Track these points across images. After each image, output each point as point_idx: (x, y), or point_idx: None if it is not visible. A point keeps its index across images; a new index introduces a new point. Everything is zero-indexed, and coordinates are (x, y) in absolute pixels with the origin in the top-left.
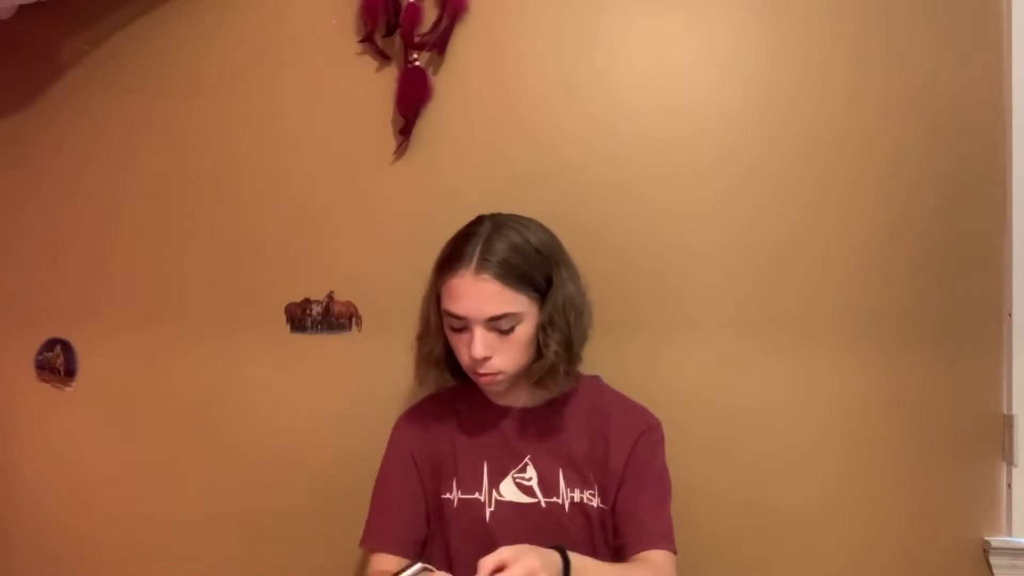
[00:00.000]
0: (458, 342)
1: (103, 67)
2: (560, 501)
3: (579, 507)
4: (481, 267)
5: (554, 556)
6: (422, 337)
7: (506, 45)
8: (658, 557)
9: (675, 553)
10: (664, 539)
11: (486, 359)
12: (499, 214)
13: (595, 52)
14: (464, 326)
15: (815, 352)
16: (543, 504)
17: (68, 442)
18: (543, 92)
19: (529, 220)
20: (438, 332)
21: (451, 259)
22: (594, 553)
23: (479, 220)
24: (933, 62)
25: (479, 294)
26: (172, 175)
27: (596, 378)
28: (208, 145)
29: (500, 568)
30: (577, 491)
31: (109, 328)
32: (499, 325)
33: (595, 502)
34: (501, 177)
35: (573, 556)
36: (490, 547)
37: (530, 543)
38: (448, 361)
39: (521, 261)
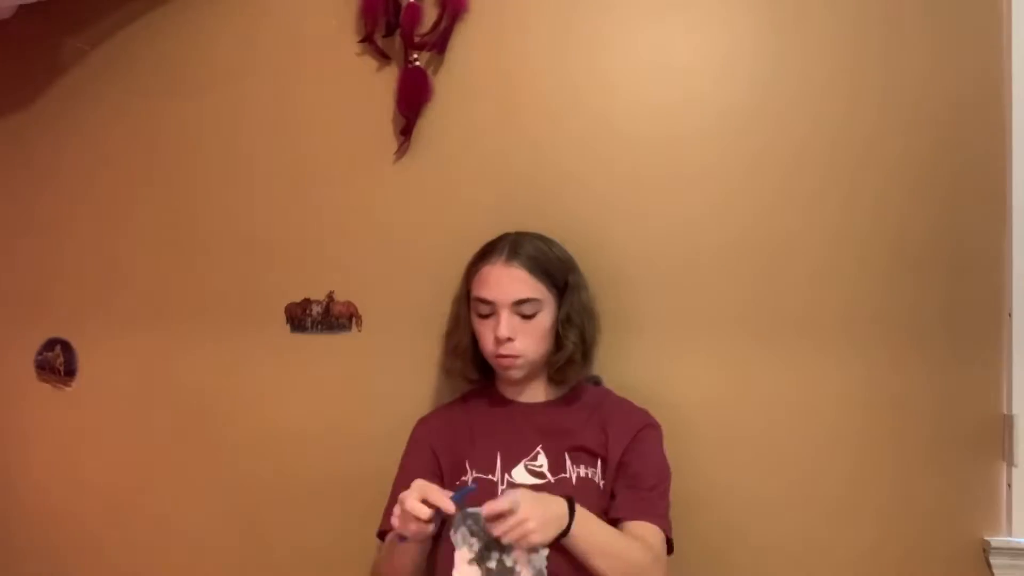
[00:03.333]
0: (484, 328)
1: (103, 67)
2: (568, 476)
3: (585, 480)
4: (511, 257)
5: (560, 507)
6: (451, 332)
7: (506, 45)
8: (648, 531)
9: (667, 535)
10: (657, 516)
11: (509, 340)
12: (522, 231)
13: (595, 51)
14: (491, 312)
15: (814, 352)
16: (552, 481)
17: (68, 442)
18: (543, 91)
19: (550, 237)
20: (466, 327)
21: (484, 254)
22: (602, 519)
23: (506, 233)
24: (933, 62)
25: (508, 278)
26: (172, 176)
27: (598, 381)
28: (208, 146)
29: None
30: (583, 467)
31: (109, 328)
32: (523, 310)
33: (598, 479)
34: (502, 176)
35: (579, 511)
36: None
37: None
38: (473, 356)
39: (544, 260)
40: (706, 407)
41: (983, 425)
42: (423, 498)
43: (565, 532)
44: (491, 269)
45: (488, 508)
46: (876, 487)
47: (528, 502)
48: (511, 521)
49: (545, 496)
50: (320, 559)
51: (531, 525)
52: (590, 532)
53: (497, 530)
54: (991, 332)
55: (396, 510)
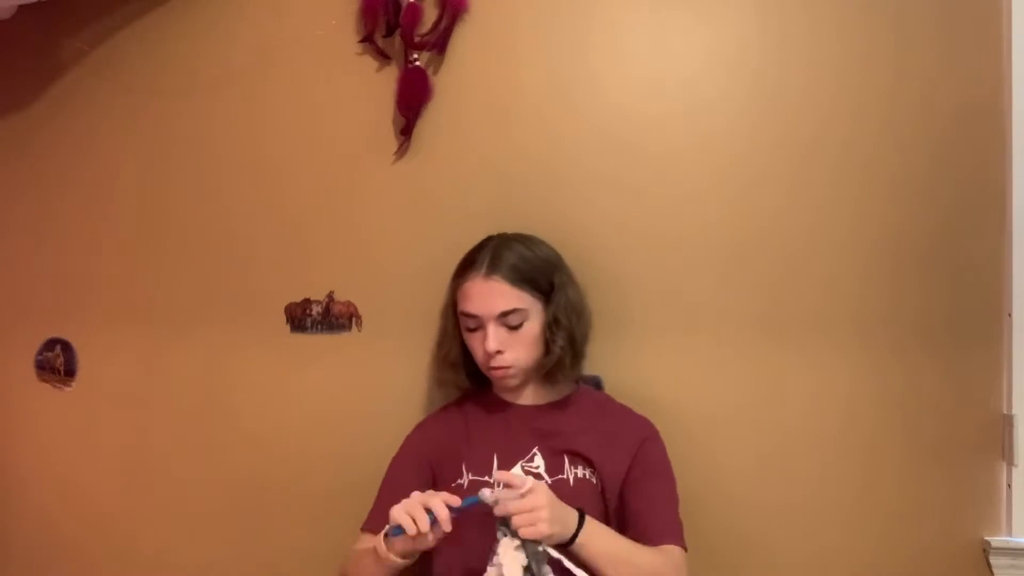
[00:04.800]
0: (474, 341)
1: (103, 67)
2: (565, 476)
3: (583, 481)
4: (491, 270)
5: (571, 513)
6: (441, 343)
7: (506, 45)
8: (668, 549)
9: (686, 550)
10: (675, 536)
11: (499, 353)
12: (505, 232)
13: (596, 52)
14: (478, 325)
15: (816, 354)
16: (549, 482)
17: (68, 442)
18: (543, 91)
19: (532, 236)
20: (455, 337)
21: (464, 267)
22: (598, 520)
23: (488, 238)
24: (937, 72)
25: (490, 293)
26: (172, 176)
27: (599, 383)
28: (210, 145)
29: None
30: (580, 468)
31: (109, 328)
32: (509, 321)
33: (595, 480)
34: (502, 176)
35: (589, 520)
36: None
37: None
38: (465, 364)
39: (526, 266)
40: (709, 409)
41: (983, 425)
42: (425, 505)
43: (572, 540)
44: (472, 284)
45: (502, 475)
46: (876, 487)
47: (545, 493)
48: (527, 503)
49: (559, 500)
50: (319, 559)
51: (543, 514)
52: (599, 541)
53: (511, 507)
54: (991, 332)
55: (400, 507)
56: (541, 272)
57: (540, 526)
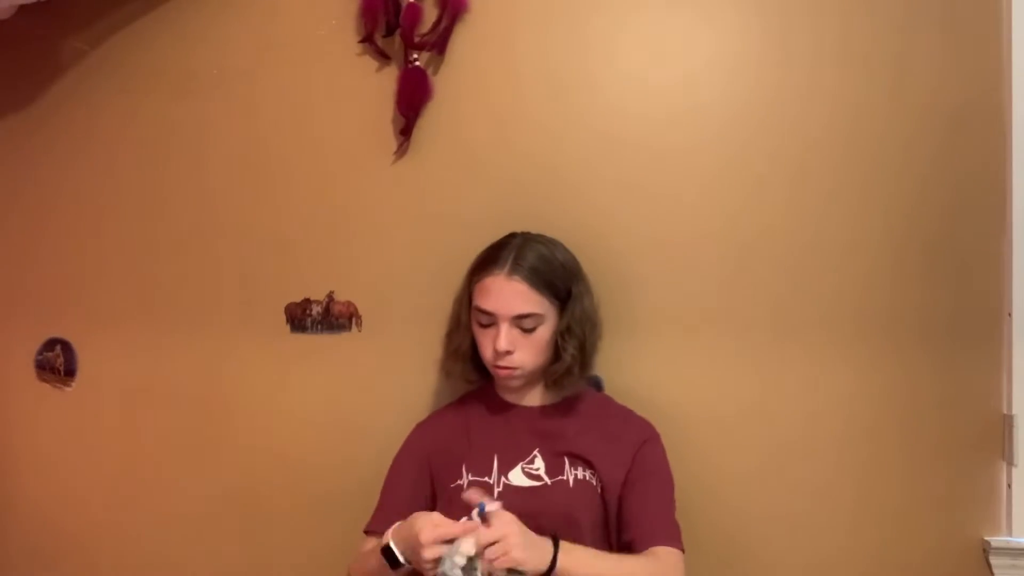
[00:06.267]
0: (484, 337)
1: (103, 67)
2: (565, 478)
3: (583, 483)
4: (513, 270)
5: (544, 542)
6: (451, 334)
7: (506, 45)
8: (664, 552)
9: (683, 552)
10: (672, 537)
11: (508, 353)
12: (529, 232)
13: (596, 52)
14: (492, 322)
15: (817, 356)
16: (549, 483)
17: (68, 442)
18: (543, 92)
19: (555, 240)
20: (466, 329)
21: (486, 262)
22: (598, 522)
23: (512, 235)
24: (939, 70)
25: (510, 293)
26: (172, 175)
27: (599, 383)
28: (207, 147)
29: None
30: (580, 469)
31: (109, 328)
32: (523, 324)
33: (595, 481)
34: (502, 176)
35: (564, 545)
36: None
37: (535, 520)
38: (473, 358)
39: (547, 270)
40: (710, 411)
41: (983, 425)
42: (437, 538)
43: (551, 568)
44: (493, 281)
45: (481, 538)
46: (877, 487)
47: (511, 520)
48: (494, 533)
49: (528, 531)
50: (319, 559)
51: (513, 540)
52: (580, 565)
53: (481, 540)
54: (991, 332)
55: (426, 542)
56: (561, 278)
57: (513, 552)
